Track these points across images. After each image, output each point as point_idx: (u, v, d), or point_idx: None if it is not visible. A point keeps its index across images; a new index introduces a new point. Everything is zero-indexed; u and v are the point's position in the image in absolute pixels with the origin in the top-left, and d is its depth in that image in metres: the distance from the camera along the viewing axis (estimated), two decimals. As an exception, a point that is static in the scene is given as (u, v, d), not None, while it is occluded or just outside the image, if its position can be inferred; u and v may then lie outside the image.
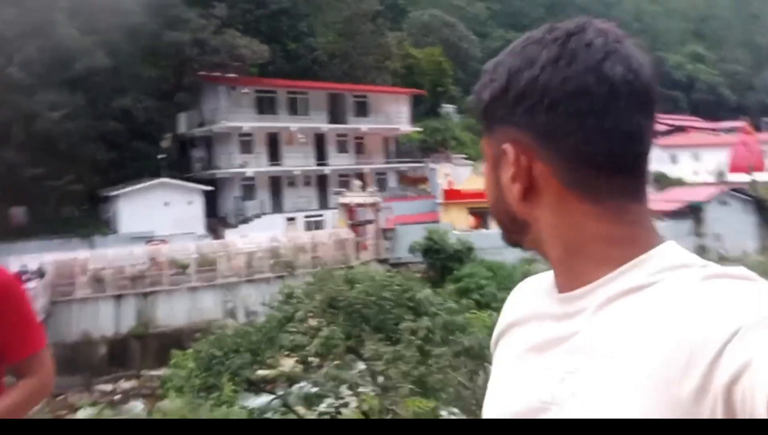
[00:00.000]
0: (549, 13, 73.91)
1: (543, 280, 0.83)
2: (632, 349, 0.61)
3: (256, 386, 13.52)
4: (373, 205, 28.15)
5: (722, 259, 26.67)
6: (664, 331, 0.59)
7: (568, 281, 0.71)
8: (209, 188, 30.33)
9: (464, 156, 37.97)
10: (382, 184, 35.62)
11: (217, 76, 33.21)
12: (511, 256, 25.94)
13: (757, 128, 42.64)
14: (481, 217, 31.00)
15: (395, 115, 38.20)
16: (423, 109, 44.13)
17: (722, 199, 28.97)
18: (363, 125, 36.38)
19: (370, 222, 27.47)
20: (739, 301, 0.57)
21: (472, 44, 57.82)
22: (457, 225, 29.01)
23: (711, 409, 0.54)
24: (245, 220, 30.14)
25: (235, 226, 29.54)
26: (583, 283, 0.69)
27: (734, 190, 29.85)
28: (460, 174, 34.08)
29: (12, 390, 1.50)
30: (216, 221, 30.18)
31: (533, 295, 0.80)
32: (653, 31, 70.90)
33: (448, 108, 47.80)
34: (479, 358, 8.09)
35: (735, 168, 34.22)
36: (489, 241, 27.10)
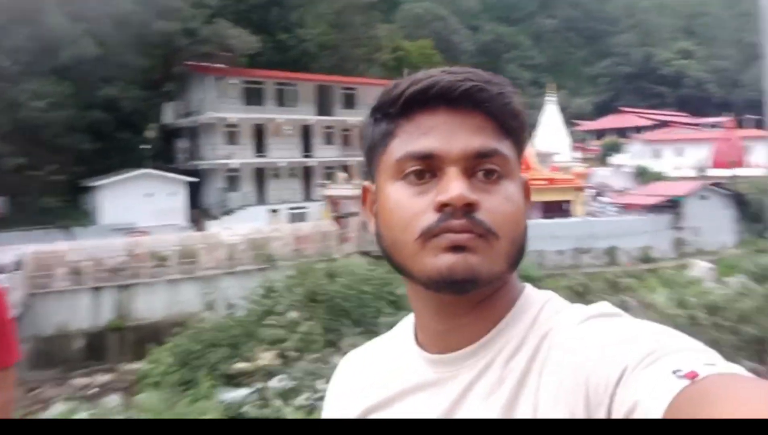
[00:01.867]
0: (541, 8, 74.01)
1: (373, 352, 0.80)
2: (534, 402, 0.61)
3: (234, 380, 13.53)
4: (357, 197, 28.09)
5: (700, 252, 26.98)
6: (562, 381, 0.60)
7: (444, 342, 0.69)
8: (193, 179, 30.15)
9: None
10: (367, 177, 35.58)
11: (205, 66, 32.97)
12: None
13: (741, 124, 43.01)
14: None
15: (383, 108, 38.10)
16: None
17: (702, 193, 29.23)
18: (351, 118, 36.29)
19: (354, 214, 27.46)
20: (620, 342, 0.57)
21: (464, 38, 57.84)
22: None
23: None
24: (228, 212, 30.01)
25: (218, 217, 29.41)
26: (462, 343, 0.68)
27: (714, 184, 30.15)
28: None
29: None
30: (199, 213, 30.01)
31: (385, 370, 0.75)
32: (645, 26, 71.16)
33: (436, 101, 47.88)
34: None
35: (717, 163, 34.57)
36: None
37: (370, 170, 0.74)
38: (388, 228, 0.68)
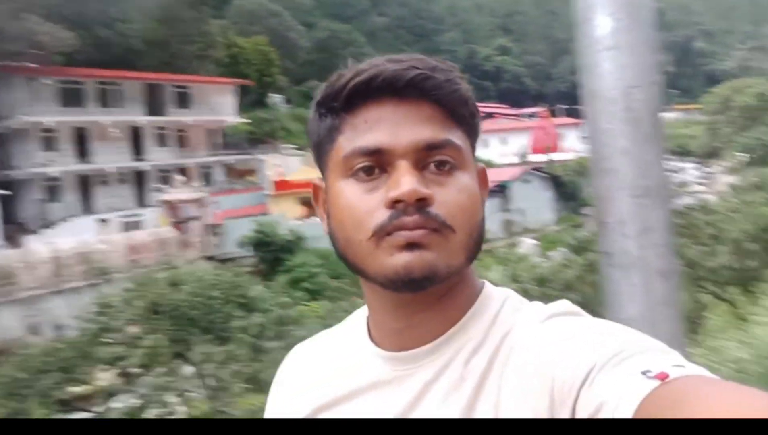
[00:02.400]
0: (373, 6, 76.06)
1: (323, 346, 0.76)
2: (495, 402, 0.60)
3: (69, 405, 12.38)
4: (198, 200, 26.91)
5: (526, 230, 29.65)
6: (525, 380, 0.58)
7: (401, 339, 0.66)
8: (5, 192, 26.86)
9: (293, 146, 37.77)
10: (207, 179, 34.12)
11: (14, 66, 29.42)
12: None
13: (554, 114, 47.80)
14: (311, 206, 31.09)
15: (220, 106, 36.80)
16: (250, 100, 43.10)
17: (525, 178, 32.09)
18: (185, 117, 34.55)
19: (195, 218, 26.24)
20: (585, 341, 0.56)
21: (299, 34, 57.63)
22: (288, 216, 28.86)
23: None
24: (49, 225, 27.14)
25: (36, 232, 26.51)
26: (420, 341, 0.65)
27: (535, 169, 33.27)
28: (290, 164, 33.87)
29: None
30: (14, 228, 26.83)
31: (337, 366, 0.72)
32: (467, 25, 76.18)
33: (275, 98, 47.20)
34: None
35: (535, 150, 38.13)
36: (319, 229, 27.32)
37: (319, 166, 0.70)
38: (341, 228, 0.65)
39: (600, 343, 0.55)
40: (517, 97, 62.02)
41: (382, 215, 0.61)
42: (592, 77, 1.30)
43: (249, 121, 39.08)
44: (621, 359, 0.52)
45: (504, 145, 44.43)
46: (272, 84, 46.97)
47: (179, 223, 26.26)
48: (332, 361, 0.73)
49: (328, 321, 7.85)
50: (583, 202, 29.80)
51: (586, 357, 0.54)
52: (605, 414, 0.50)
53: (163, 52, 38.71)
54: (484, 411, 0.60)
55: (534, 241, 27.64)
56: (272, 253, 24.91)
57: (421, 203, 0.60)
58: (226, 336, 12.31)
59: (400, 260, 0.60)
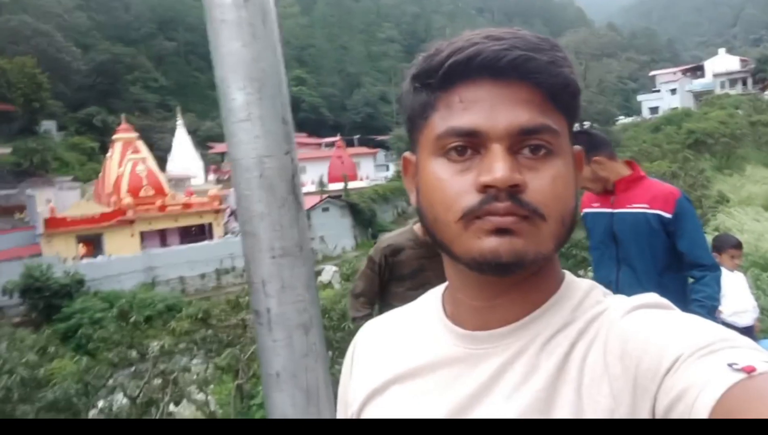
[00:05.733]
0: (159, 30, 72.59)
1: (396, 322, 0.75)
2: (576, 385, 0.59)
3: None
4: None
5: (327, 258, 30.29)
6: (609, 365, 0.58)
7: (481, 319, 0.65)
8: None
9: (68, 178, 34.19)
10: (-39, 218, 29.46)
11: None
12: (130, 282, 24.51)
13: (350, 144, 49.84)
14: (92, 244, 28.34)
15: (-25, 135, 32.06)
16: (15, 128, 38.22)
17: (324, 205, 32.91)
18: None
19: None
20: (671, 332, 0.56)
21: (74, 56, 52.77)
22: (64, 256, 25.92)
23: None
24: None
25: None
26: (500, 322, 0.64)
27: (333, 197, 34.29)
28: (66, 199, 30.54)
29: None
30: None
31: (411, 340, 0.71)
32: (261, 54, 76.29)
33: (47, 125, 42.46)
34: (67, 409, 7.33)
35: (332, 178, 39.35)
36: (102, 269, 25.00)
37: (410, 140, 0.68)
38: (430, 206, 0.63)
39: (689, 335, 0.55)
40: (314, 126, 63.47)
41: (472, 198, 0.60)
42: (232, 147, 1.35)
43: (11, 151, 34.49)
44: (708, 351, 0.52)
45: (303, 174, 45.10)
46: (42, 110, 42.18)
47: None
48: (405, 336, 0.72)
49: (85, 379, 7.11)
50: (381, 227, 31.32)
51: (673, 347, 0.54)
52: (686, 401, 0.49)
53: None
54: (564, 395, 0.59)
55: (334, 268, 28.31)
56: (45, 299, 22.08)
57: (514, 190, 0.59)
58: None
59: (488, 244, 0.59)
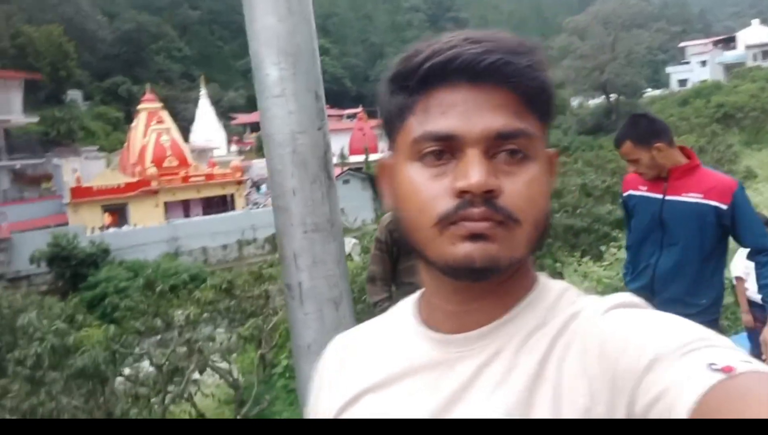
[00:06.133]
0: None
1: (369, 332, 0.75)
2: (555, 385, 0.59)
3: None
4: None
5: (347, 230, 30.45)
6: (587, 365, 0.58)
7: (456, 322, 0.65)
8: None
9: (95, 148, 34.65)
10: (-12, 187, 30.09)
11: None
12: (154, 252, 24.94)
13: (373, 115, 49.62)
14: (117, 214, 28.82)
15: (3, 104, 32.48)
16: (42, 97, 38.68)
17: (345, 178, 32.94)
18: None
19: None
20: (649, 331, 0.56)
21: (101, 25, 53.00)
22: (90, 226, 26.41)
23: None
24: None
25: None
26: (475, 325, 0.65)
27: (354, 169, 34.28)
28: (92, 169, 31.00)
29: None
30: None
31: (384, 349, 0.70)
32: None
33: (74, 94, 42.88)
34: (95, 376, 7.54)
35: (354, 150, 39.29)
36: (127, 239, 25.43)
37: (388, 142, 0.69)
38: (406, 210, 0.64)
39: (667, 334, 0.55)
40: (336, 98, 63.26)
41: (447, 203, 0.60)
42: (265, 121, 1.36)
43: (39, 120, 35.01)
44: (687, 351, 0.52)
45: (323, 145, 44.94)
46: (69, 79, 42.60)
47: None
48: (378, 345, 0.72)
49: (113, 347, 7.27)
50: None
51: (651, 346, 0.54)
52: (666, 401, 0.49)
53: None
54: (542, 395, 0.59)
55: (355, 240, 28.43)
56: (72, 268, 22.54)
57: (489, 195, 0.59)
58: (5, 368, 10.94)
59: (462, 250, 0.60)
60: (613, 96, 43.88)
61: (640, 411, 0.52)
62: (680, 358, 0.51)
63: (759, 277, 2.74)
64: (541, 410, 0.58)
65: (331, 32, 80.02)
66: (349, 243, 27.43)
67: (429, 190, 0.61)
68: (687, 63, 59.00)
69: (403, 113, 0.64)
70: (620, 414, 0.54)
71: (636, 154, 2.77)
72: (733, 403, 0.46)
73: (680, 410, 0.48)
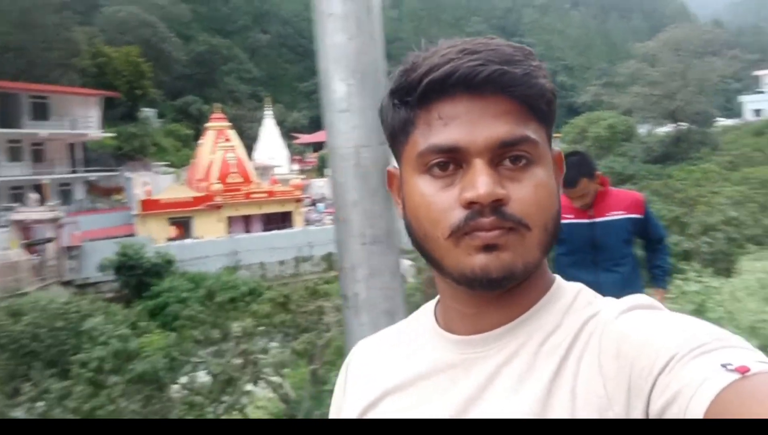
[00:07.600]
0: (254, 22, 75.24)
1: (389, 337, 0.77)
2: (572, 385, 0.59)
3: None
4: (54, 220, 24.88)
5: (403, 251, 30.35)
6: (603, 366, 0.58)
7: (473, 325, 0.66)
8: None
9: (165, 163, 36.15)
10: (66, 197, 31.72)
11: None
12: (215, 265, 25.67)
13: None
14: (182, 226, 29.87)
15: (83, 119, 34.44)
16: (119, 114, 40.79)
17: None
18: (42, 130, 31.95)
19: (50, 240, 24.22)
20: (665, 332, 0.56)
21: (175, 46, 55.57)
22: (156, 237, 27.46)
23: None
24: None
25: None
26: (492, 326, 0.66)
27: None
28: (160, 183, 32.34)
29: None
30: None
31: (404, 352, 0.72)
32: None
33: (147, 112, 45.03)
34: (154, 382, 7.80)
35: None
36: (191, 251, 26.28)
37: (394, 154, 0.70)
38: (418, 222, 0.64)
39: (682, 336, 0.55)
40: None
41: (458, 215, 0.61)
42: (330, 135, 1.40)
43: (115, 135, 36.88)
44: (702, 351, 0.53)
45: (382, 167, 45.38)
46: (143, 97, 44.80)
47: (31, 245, 24.10)
48: (399, 348, 0.74)
49: (172, 354, 7.49)
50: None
51: (667, 347, 0.54)
52: (681, 402, 0.50)
53: (18, 59, 35.71)
54: (560, 395, 0.60)
55: (410, 262, 28.26)
56: (137, 277, 23.46)
57: (497, 204, 0.60)
58: (70, 369, 11.45)
59: (477, 262, 0.61)
60: (683, 124, 42.40)
61: (655, 411, 0.52)
62: (695, 358, 0.52)
63: (654, 259, 3.36)
64: (559, 410, 0.59)
65: (395, 56, 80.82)
66: (404, 264, 27.47)
67: (439, 202, 0.62)
68: (761, 92, 56.50)
69: (407, 127, 0.65)
70: (637, 414, 0.54)
71: (588, 189, 3.11)
72: (747, 402, 0.46)
73: (695, 410, 0.48)
